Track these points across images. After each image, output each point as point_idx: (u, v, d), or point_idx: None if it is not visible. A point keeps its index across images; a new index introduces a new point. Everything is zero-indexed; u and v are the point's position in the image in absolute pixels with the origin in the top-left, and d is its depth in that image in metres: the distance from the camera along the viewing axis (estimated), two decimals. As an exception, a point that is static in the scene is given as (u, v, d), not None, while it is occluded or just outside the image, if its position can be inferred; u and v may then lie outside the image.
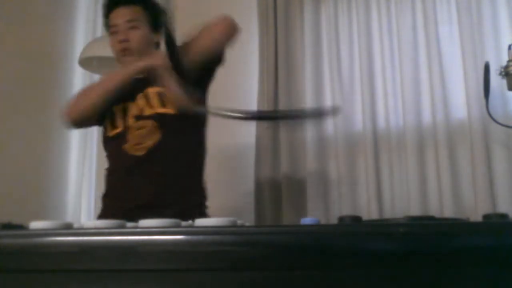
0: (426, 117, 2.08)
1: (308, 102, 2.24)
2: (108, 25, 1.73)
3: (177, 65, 1.49)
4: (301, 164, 2.21)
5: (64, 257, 0.62)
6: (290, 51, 2.29)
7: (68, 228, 0.66)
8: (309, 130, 2.22)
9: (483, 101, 1.88)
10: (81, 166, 2.61)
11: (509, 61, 1.80)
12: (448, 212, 1.95)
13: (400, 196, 2.07)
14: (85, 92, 1.69)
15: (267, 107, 2.24)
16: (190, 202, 1.59)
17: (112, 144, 1.66)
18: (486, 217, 0.63)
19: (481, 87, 1.89)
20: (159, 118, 1.60)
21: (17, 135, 2.31)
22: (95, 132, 2.72)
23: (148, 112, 1.61)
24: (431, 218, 0.68)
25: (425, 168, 2.05)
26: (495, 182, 1.92)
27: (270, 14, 2.33)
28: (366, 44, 2.20)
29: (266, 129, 2.25)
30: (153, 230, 0.62)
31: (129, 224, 0.68)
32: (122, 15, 1.70)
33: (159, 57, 1.56)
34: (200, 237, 0.60)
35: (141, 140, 1.60)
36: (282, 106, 2.25)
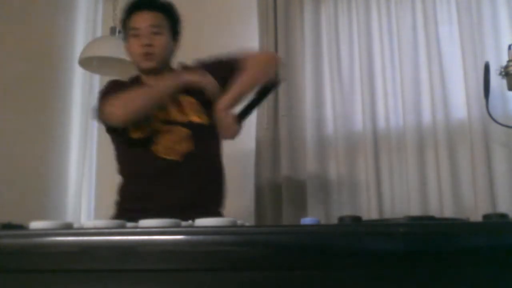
0: (426, 117, 2.08)
1: (308, 102, 2.24)
2: (128, 27, 1.72)
3: (246, 112, 1.60)
4: (301, 164, 2.21)
5: (64, 257, 0.62)
6: (290, 51, 2.29)
7: (68, 228, 0.66)
8: (309, 130, 2.22)
9: (483, 101, 1.88)
10: (81, 166, 2.61)
11: (509, 61, 1.80)
12: (448, 212, 1.95)
13: (400, 196, 2.07)
14: (131, 96, 1.60)
15: (267, 107, 2.24)
16: (217, 206, 1.67)
17: (137, 146, 1.64)
18: (486, 217, 0.63)
19: (481, 87, 1.89)
20: (192, 127, 1.64)
21: (17, 135, 2.31)
22: (95, 132, 2.72)
23: (179, 118, 1.64)
24: (431, 218, 0.68)
25: (425, 168, 2.05)
26: (495, 182, 1.92)
27: (270, 14, 2.33)
28: (366, 44, 2.20)
29: (266, 129, 2.25)
30: (153, 230, 0.62)
31: (129, 224, 0.68)
32: (146, 19, 1.69)
33: (209, 78, 1.59)
34: (200, 237, 0.60)
35: (173, 144, 1.62)
36: (282, 106, 2.25)
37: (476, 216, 1.83)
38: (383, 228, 0.61)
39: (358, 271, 0.58)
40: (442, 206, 1.97)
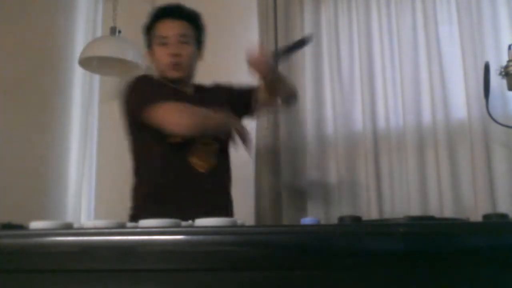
0: (426, 117, 2.08)
1: (308, 102, 2.24)
2: (154, 34, 1.71)
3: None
4: (301, 164, 2.21)
5: (64, 257, 0.62)
6: (290, 51, 2.29)
7: (68, 228, 0.66)
8: (309, 130, 2.22)
9: (483, 101, 1.88)
10: (81, 166, 2.61)
11: (509, 61, 1.80)
12: (448, 212, 1.95)
13: (400, 196, 2.07)
14: (188, 113, 1.58)
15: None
16: (229, 215, 1.69)
17: (173, 152, 1.62)
18: (486, 217, 0.63)
19: (481, 87, 1.89)
20: (221, 142, 1.68)
21: (17, 135, 2.31)
22: (95, 132, 2.72)
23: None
24: (431, 218, 0.68)
25: (425, 168, 2.05)
26: (495, 182, 1.92)
27: (270, 14, 2.33)
28: (366, 44, 2.19)
29: (266, 129, 2.25)
30: (153, 230, 0.62)
31: (129, 224, 0.68)
32: (174, 27, 1.68)
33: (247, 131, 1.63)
34: (200, 237, 0.60)
35: (206, 156, 1.64)
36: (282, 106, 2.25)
37: (476, 216, 1.83)
38: (383, 228, 0.61)
39: (358, 271, 0.58)
40: (442, 206, 1.97)
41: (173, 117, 1.56)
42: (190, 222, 0.69)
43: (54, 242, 0.63)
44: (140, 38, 2.63)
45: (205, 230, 0.61)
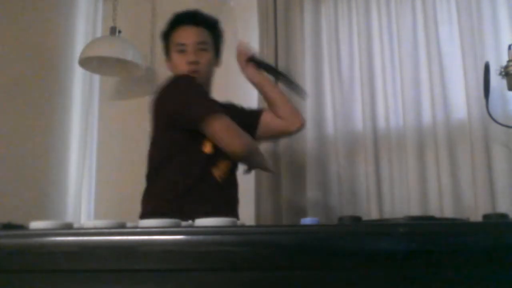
0: (426, 117, 2.08)
1: (308, 102, 2.24)
2: (172, 41, 1.70)
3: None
4: (301, 163, 2.21)
5: (64, 257, 0.62)
6: (290, 51, 2.29)
7: (68, 228, 0.66)
8: (309, 130, 2.21)
9: (483, 101, 1.88)
10: (81, 166, 2.61)
11: (509, 61, 1.80)
12: (448, 212, 1.95)
13: (400, 196, 2.07)
14: (247, 136, 1.64)
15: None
16: None
17: (202, 161, 1.61)
18: (486, 217, 0.63)
19: (481, 87, 1.89)
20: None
21: (17, 135, 2.31)
22: (95, 132, 2.72)
23: None
24: (431, 218, 0.68)
25: (425, 168, 2.05)
26: (495, 182, 1.92)
27: (270, 14, 2.33)
28: (366, 44, 2.19)
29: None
30: (153, 230, 0.62)
31: (129, 224, 0.68)
32: (193, 35, 1.67)
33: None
34: (200, 237, 0.60)
35: (226, 170, 1.65)
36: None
37: (476, 216, 1.83)
38: (383, 228, 0.61)
39: (358, 271, 0.58)
40: (442, 206, 1.97)
41: (236, 138, 1.59)
42: (190, 222, 0.69)
43: (54, 242, 0.63)
44: (140, 38, 2.65)
45: (205, 230, 0.61)
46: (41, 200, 2.39)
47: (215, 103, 1.66)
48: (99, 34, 2.75)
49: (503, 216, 0.63)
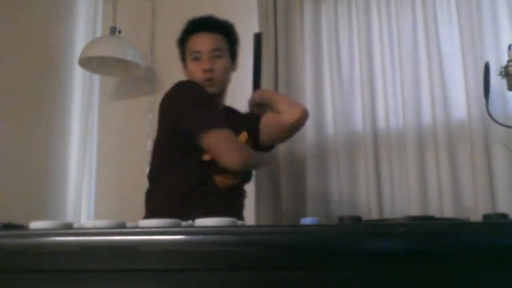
0: (426, 117, 2.08)
1: (308, 102, 2.24)
2: (187, 49, 1.70)
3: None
4: (301, 164, 2.21)
5: (64, 257, 0.62)
6: (290, 51, 2.29)
7: (68, 228, 0.66)
8: (309, 130, 2.21)
9: (483, 101, 1.88)
10: (81, 166, 2.61)
11: (509, 61, 1.80)
12: (448, 212, 1.95)
13: (400, 196, 2.07)
14: (247, 150, 1.67)
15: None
16: None
17: (202, 169, 1.61)
18: (486, 217, 0.63)
19: (481, 87, 1.89)
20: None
21: (17, 135, 2.31)
22: (95, 132, 2.72)
23: None
24: (431, 218, 0.68)
25: (425, 168, 2.05)
26: (495, 182, 1.92)
27: (270, 14, 2.33)
28: (366, 44, 2.19)
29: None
30: (153, 230, 0.62)
31: (129, 224, 0.68)
32: (208, 42, 1.67)
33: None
34: (200, 237, 0.60)
35: (231, 176, 1.64)
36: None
37: (476, 216, 1.83)
38: (383, 228, 0.61)
39: (358, 271, 0.58)
40: (442, 206, 1.97)
41: (232, 152, 1.58)
42: (190, 222, 0.69)
43: (54, 242, 0.63)
44: (140, 38, 2.65)
45: (205, 230, 0.61)
46: (41, 200, 2.39)
47: (216, 113, 1.64)
48: (99, 34, 2.75)
49: (503, 216, 0.63)
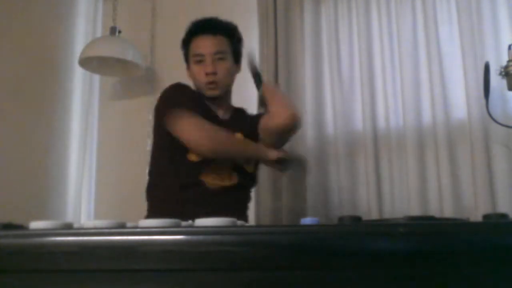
0: (426, 117, 2.08)
1: (308, 102, 2.24)
2: (191, 51, 1.70)
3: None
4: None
5: (64, 257, 0.62)
6: (290, 51, 2.29)
7: (68, 228, 0.66)
8: (309, 130, 2.21)
9: (483, 101, 1.88)
10: (81, 166, 2.61)
11: (509, 61, 1.80)
12: (448, 212, 1.95)
13: (400, 196, 2.07)
14: (221, 136, 1.61)
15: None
16: None
17: (189, 169, 1.61)
18: (486, 217, 0.63)
19: (481, 87, 1.89)
20: (238, 167, 1.67)
21: (17, 135, 2.31)
22: (95, 132, 2.72)
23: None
24: (431, 218, 0.68)
25: (425, 168, 2.05)
26: (495, 182, 1.92)
27: (270, 14, 2.33)
28: (366, 44, 2.19)
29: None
30: (153, 230, 0.62)
31: (129, 224, 0.68)
32: (210, 45, 1.66)
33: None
34: (200, 237, 0.60)
35: (219, 176, 1.63)
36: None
37: (476, 216, 1.83)
38: (383, 228, 0.61)
39: (358, 271, 0.58)
40: (442, 206, 1.97)
41: (194, 135, 1.57)
42: (190, 222, 0.69)
43: (54, 242, 0.63)
44: (140, 38, 2.65)
45: (205, 230, 0.61)
46: (41, 200, 2.39)
47: (188, 105, 1.61)
48: (99, 34, 2.75)
49: (503, 216, 0.63)
